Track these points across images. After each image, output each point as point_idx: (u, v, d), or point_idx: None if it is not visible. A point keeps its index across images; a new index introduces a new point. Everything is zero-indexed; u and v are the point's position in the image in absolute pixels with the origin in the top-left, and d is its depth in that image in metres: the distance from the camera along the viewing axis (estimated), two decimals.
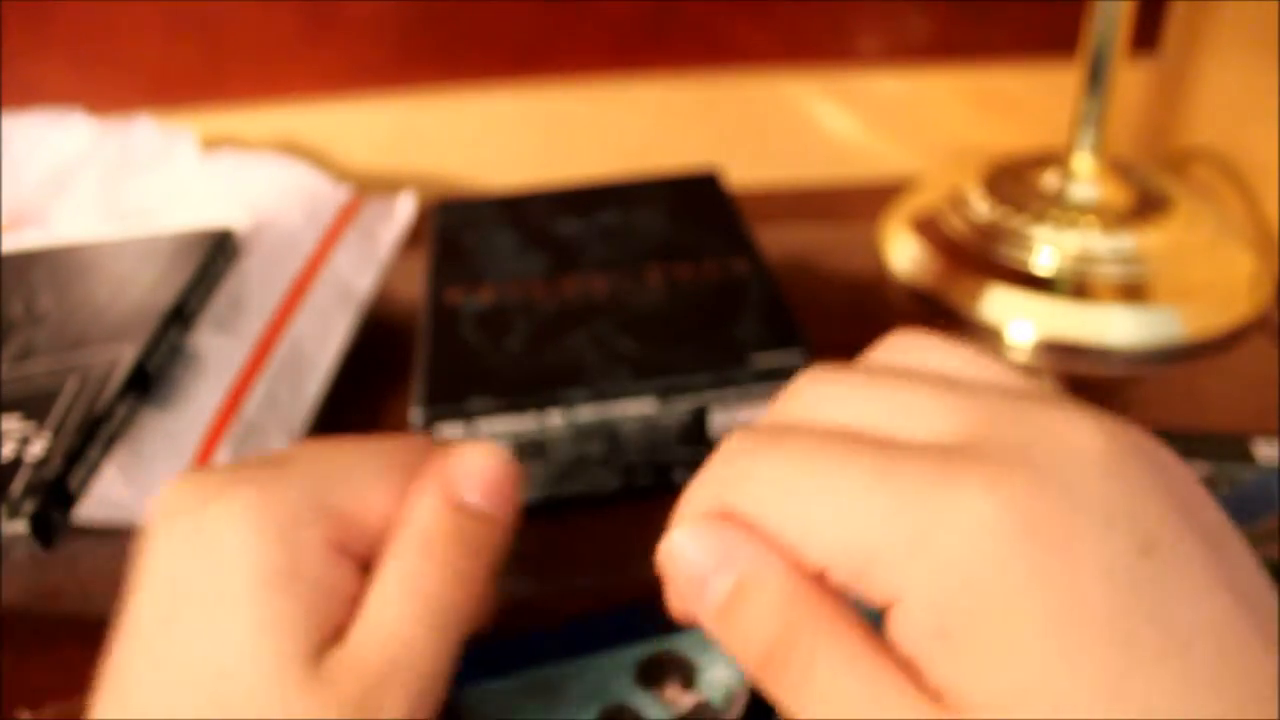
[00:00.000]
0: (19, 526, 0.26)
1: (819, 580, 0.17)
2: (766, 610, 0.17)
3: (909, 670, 0.15)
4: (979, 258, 0.45)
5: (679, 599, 0.19)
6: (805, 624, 0.16)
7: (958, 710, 0.14)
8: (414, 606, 0.19)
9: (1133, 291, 0.42)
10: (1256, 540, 0.30)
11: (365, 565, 0.20)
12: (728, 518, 0.18)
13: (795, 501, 0.17)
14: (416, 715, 0.18)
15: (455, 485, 0.21)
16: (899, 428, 0.17)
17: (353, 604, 0.20)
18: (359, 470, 0.21)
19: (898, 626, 0.15)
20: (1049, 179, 0.47)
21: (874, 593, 0.16)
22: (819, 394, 0.19)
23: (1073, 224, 0.44)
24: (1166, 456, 0.16)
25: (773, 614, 0.17)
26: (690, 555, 0.18)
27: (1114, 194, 0.45)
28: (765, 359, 0.33)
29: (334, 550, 0.19)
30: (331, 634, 0.19)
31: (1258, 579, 0.15)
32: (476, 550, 0.20)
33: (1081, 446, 0.15)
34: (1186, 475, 0.16)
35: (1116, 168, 0.46)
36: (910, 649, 0.15)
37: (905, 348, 0.20)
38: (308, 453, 0.21)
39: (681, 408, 0.32)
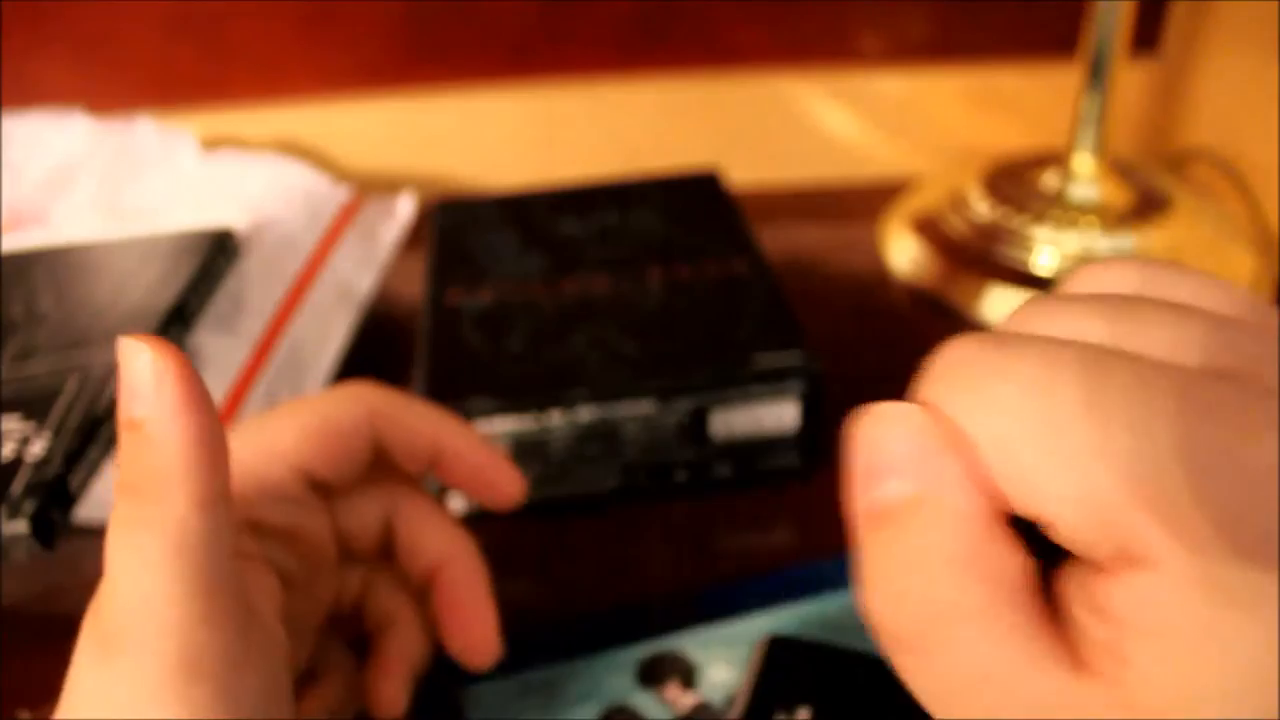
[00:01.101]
0: (19, 526, 0.26)
1: (1006, 533, 0.14)
2: (928, 552, 0.14)
3: (1098, 638, 0.13)
4: (979, 258, 0.45)
5: (852, 479, 0.15)
6: (965, 590, 0.13)
7: (1136, 708, 0.12)
8: (117, 540, 0.18)
9: None
10: None
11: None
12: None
13: (1036, 433, 0.13)
14: (156, 659, 0.17)
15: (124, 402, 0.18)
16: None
17: None
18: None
19: (1131, 594, 0.12)
20: (1049, 179, 0.47)
21: (1109, 551, 0.13)
22: (1052, 317, 0.15)
23: (1073, 224, 0.44)
24: None
25: (932, 564, 0.14)
26: (883, 439, 0.14)
27: (1114, 194, 0.45)
28: (765, 359, 0.33)
29: None
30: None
31: None
32: (149, 461, 0.18)
33: None
34: None
35: (1116, 168, 0.46)
36: (1132, 622, 0.12)
37: (1124, 277, 0.16)
38: None
39: (681, 408, 0.32)
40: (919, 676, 0.14)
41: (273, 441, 0.23)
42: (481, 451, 0.26)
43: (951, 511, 0.14)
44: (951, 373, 0.15)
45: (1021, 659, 0.13)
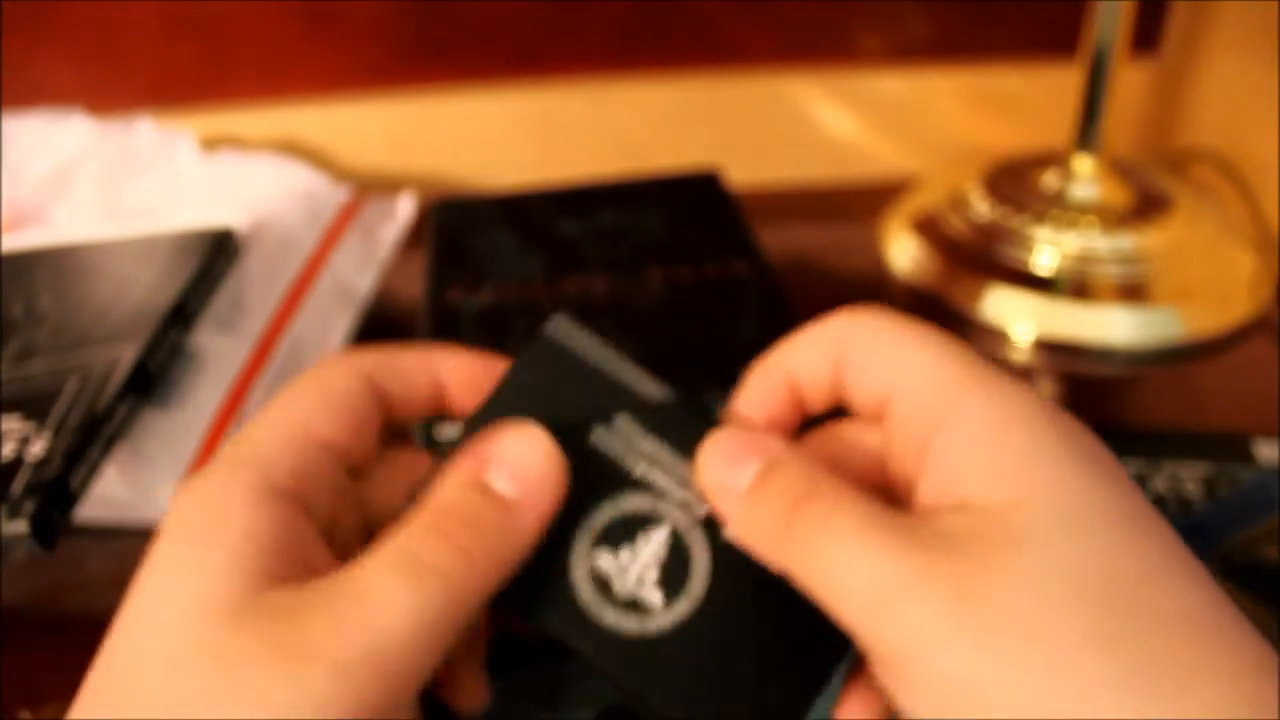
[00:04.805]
0: (19, 526, 0.26)
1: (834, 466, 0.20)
2: (783, 487, 0.19)
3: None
4: (979, 258, 0.45)
5: (717, 499, 0.20)
6: (815, 497, 0.18)
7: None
8: (405, 573, 0.17)
9: (1133, 291, 0.42)
10: (1257, 540, 0.30)
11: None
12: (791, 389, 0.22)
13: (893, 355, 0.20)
14: (379, 688, 0.16)
15: (484, 466, 0.19)
16: None
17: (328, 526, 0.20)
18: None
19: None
20: (1049, 179, 0.47)
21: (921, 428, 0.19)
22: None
23: (1073, 224, 0.44)
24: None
25: (788, 490, 0.19)
26: (719, 456, 0.20)
27: (1114, 194, 0.45)
28: None
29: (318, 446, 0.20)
30: (290, 573, 0.18)
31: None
32: (494, 537, 0.18)
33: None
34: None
35: (1116, 168, 0.46)
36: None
37: None
38: None
39: None
40: None
41: (304, 424, 0.20)
42: (478, 364, 0.23)
43: (792, 459, 0.19)
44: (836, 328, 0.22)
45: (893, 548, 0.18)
